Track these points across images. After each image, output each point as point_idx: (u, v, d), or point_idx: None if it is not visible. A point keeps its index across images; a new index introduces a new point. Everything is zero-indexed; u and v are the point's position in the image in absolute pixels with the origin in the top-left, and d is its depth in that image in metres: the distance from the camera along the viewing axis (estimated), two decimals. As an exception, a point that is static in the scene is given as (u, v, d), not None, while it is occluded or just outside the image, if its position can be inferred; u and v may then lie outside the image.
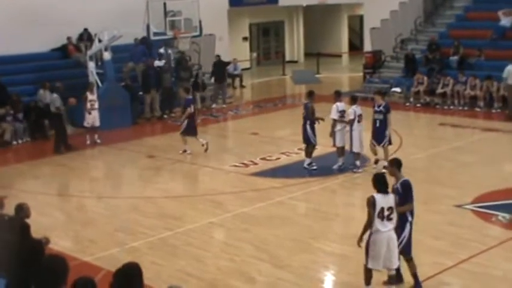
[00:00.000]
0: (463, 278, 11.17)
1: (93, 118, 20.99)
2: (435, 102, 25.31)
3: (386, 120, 17.24)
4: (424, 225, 13.31)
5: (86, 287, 6.23)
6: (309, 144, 17.58)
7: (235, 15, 32.45)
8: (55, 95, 20.39)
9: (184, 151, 19.44)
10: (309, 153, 17.61)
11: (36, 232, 10.19)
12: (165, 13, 25.40)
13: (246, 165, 18.24)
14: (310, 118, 17.45)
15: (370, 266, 10.00)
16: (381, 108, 17.27)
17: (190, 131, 19.45)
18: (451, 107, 24.79)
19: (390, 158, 10.95)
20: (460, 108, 24.55)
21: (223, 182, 17.26)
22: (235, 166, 18.33)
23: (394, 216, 9.94)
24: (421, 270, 10.83)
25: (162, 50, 26.42)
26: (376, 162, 17.39)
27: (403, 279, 10.62)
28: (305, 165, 17.57)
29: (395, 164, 10.55)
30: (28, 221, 10.45)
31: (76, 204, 15.93)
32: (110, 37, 23.16)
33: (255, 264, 11.89)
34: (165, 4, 25.22)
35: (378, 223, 9.84)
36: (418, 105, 25.58)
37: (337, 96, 17.74)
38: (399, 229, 10.26)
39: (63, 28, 24.87)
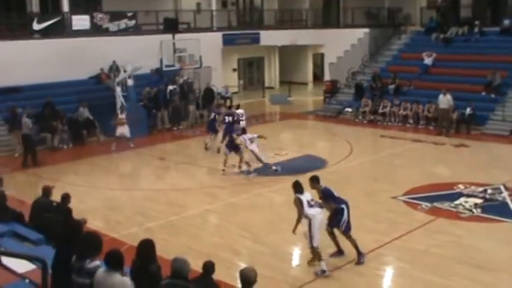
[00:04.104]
0: (396, 250, 11.34)
1: (121, 131, 20.87)
2: (377, 120, 25.44)
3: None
4: (367, 211, 13.49)
5: (117, 256, 6.31)
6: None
7: (227, 52, 32.45)
8: (27, 120, 19.19)
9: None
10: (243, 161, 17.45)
11: (76, 215, 10.31)
12: (174, 50, 25.58)
13: (234, 166, 18.17)
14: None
15: (315, 244, 10.12)
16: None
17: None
18: (389, 123, 24.90)
19: (311, 176, 10.91)
20: (395, 124, 24.67)
21: (216, 178, 17.21)
22: (226, 166, 18.33)
23: (316, 203, 10.29)
24: (365, 245, 11.00)
25: (181, 80, 26.40)
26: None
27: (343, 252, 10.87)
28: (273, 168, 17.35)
29: (314, 181, 10.65)
30: (70, 206, 10.57)
31: (106, 194, 15.91)
32: (132, 68, 23.19)
33: (240, 240, 11.99)
34: (174, 44, 25.43)
35: (310, 211, 10.10)
36: (365, 121, 25.67)
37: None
38: (339, 215, 10.50)
39: (97, 61, 24.87)
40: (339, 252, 10.79)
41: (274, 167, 17.40)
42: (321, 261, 10.20)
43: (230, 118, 19.80)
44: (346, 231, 10.58)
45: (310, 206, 10.16)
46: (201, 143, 21.14)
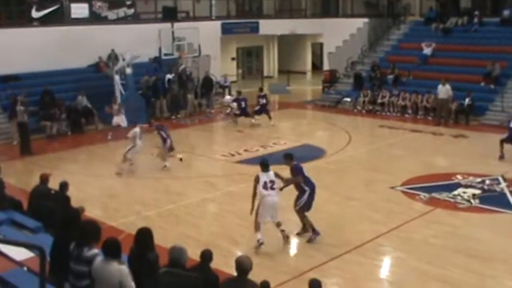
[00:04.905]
0: (394, 241, 11.35)
1: (116, 121, 20.90)
2: (376, 110, 25.35)
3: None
4: (365, 201, 13.54)
5: (114, 245, 6.30)
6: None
7: (226, 41, 32.35)
8: (21, 107, 18.99)
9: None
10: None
11: (74, 203, 10.30)
12: (173, 39, 25.52)
13: (233, 155, 18.25)
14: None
15: (258, 220, 10.77)
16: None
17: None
18: (388, 113, 24.82)
19: (285, 152, 11.88)
20: (394, 114, 24.59)
21: (215, 167, 17.24)
22: (224, 156, 18.33)
23: (276, 186, 10.78)
24: (362, 235, 11.05)
25: (180, 69, 26.21)
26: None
27: (319, 232, 11.19)
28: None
29: (287, 158, 11.33)
30: (68, 194, 10.56)
31: (104, 182, 15.91)
32: (131, 57, 23.09)
33: (239, 230, 11.99)
34: (173, 32, 25.38)
35: (264, 192, 10.66)
36: (364, 111, 25.57)
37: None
38: (300, 194, 11.09)
39: (96, 50, 24.70)
40: (314, 232, 11.12)
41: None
42: (257, 232, 10.78)
43: (243, 103, 22.93)
44: (303, 210, 11.09)
45: (265, 187, 10.65)
46: (199, 131, 21.17)
